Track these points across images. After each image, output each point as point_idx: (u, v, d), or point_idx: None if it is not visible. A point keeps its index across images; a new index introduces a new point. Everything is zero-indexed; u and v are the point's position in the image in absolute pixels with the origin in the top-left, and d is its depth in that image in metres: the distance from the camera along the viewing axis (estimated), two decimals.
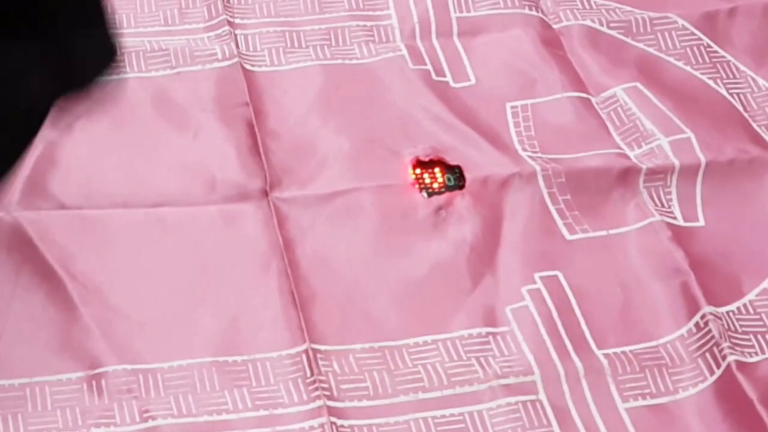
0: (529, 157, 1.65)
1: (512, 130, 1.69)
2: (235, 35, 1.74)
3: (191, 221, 1.55)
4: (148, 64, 1.71)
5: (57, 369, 1.41)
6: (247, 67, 1.71)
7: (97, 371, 1.41)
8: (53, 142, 1.60)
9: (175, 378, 1.42)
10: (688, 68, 1.78)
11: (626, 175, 1.63)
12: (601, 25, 1.81)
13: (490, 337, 1.49)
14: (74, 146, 1.60)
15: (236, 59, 1.71)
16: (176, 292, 1.49)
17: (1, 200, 1.53)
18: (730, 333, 1.50)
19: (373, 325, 1.49)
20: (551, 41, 1.79)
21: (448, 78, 1.74)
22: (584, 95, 1.73)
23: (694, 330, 1.50)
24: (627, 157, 1.66)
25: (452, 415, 1.42)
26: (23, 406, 1.38)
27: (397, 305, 1.51)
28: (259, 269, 1.52)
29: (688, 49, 1.80)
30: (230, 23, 1.75)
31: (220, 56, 1.72)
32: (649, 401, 1.45)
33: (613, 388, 1.46)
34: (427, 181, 1.63)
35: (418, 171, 1.63)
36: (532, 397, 1.44)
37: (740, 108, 1.75)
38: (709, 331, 1.49)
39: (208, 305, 1.48)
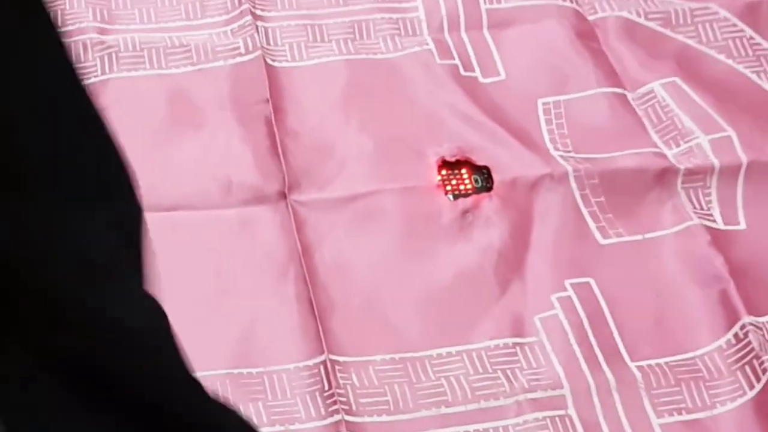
0: (561, 156, 1.62)
1: (543, 128, 1.66)
2: (257, 26, 1.72)
3: (206, 225, 1.53)
4: (168, 60, 1.69)
5: None
6: (268, 61, 1.69)
7: None
8: None
9: None
10: (729, 62, 1.75)
11: (663, 176, 1.61)
12: (639, 16, 1.78)
13: (518, 348, 1.46)
14: None
15: (259, 52, 1.69)
16: (190, 300, 1.47)
17: None
18: None
19: (395, 335, 1.46)
20: (586, 34, 1.76)
21: (477, 73, 1.72)
22: (620, 91, 1.70)
23: (733, 341, 1.47)
24: (664, 156, 1.63)
25: (476, 431, 1.40)
26: None
27: (420, 314, 1.48)
28: (276, 276, 1.49)
29: (730, 42, 1.77)
30: (253, 13, 1.73)
31: (242, 50, 1.70)
32: (685, 416, 1.43)
33: (646, 402, 1.43)
34: (453, 182, 1.60)
35: (443, 172, 1.61)
36: (561, 412, 1.42)
37: None
38: (749, 342, 1.46)
39: (223, 314, 1.46)
